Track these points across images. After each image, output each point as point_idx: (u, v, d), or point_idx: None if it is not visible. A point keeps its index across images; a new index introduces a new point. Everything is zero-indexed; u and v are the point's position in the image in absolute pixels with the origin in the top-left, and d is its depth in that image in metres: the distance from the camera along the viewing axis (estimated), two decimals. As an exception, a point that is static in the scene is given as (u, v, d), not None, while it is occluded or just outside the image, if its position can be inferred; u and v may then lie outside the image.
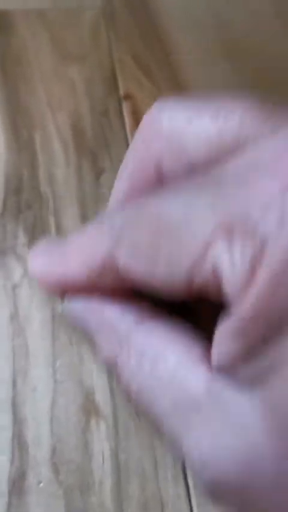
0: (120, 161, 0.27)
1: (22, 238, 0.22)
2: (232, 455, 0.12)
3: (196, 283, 0.12)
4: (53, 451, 0.18)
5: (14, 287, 0.21)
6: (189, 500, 0.17)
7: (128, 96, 0.27)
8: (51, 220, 0.22)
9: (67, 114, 0.25)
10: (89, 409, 0.18)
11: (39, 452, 0.17)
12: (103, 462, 0.18)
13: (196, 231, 0.12)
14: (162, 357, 0.13)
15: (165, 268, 0.12)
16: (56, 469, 0.17)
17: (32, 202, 0.23)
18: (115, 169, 0.24)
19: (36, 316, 0.20)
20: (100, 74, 0.27)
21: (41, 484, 0.17)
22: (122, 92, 0.27)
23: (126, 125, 0.26)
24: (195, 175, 0.14)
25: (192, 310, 0.15)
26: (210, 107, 0.15)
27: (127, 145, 0.25)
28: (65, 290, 0.17)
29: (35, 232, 0.22)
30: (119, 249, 0.14)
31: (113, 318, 0.15)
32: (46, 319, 0.20)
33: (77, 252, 0.15)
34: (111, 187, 0.24)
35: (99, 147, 0.24)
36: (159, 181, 0.16)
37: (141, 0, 0.31)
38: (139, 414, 0.18)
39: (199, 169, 0.14)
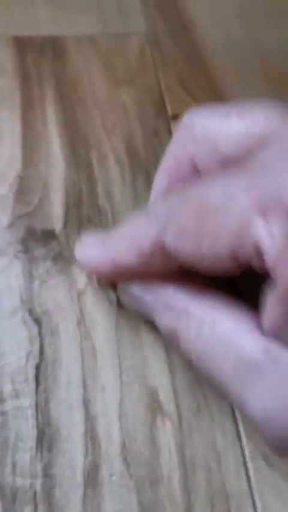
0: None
1: (84, 249, 0.23)
2: None
3: (240, 257, 0.14)
4: (123, 445, 0.19)
5: (79, 294, 0.22)
6: (252, 494, 0.18)
7: (175, 116, 0.28)
8: (111, 233, 0.24)
9: (120, 134, 0.27)
10: (154, 408, 0.20)
11: (111, 447, 0.19)
12: (170, 457, 0.19)
13: (235, 211, 0.13)
14: (220, 323, 0.15)
15: (211, 247, 0.14)
16: (126, 463, 0.19)
17: (92, 216, 0.24)
18: (167, 185, 0.26)
19: (101, 321, 0.21)
20: (149, 97, 0.29)
21: (114, 477, 0.18)
22: (170, 113, 0.29)
23: (175, 143, 0.27)
24: (228, 167, 0.15)
25: (237, 286, 0.17)
26: (237, 108, 0.17)
27: (176, 162, 0.27)
28: (117, 276, 0.18)
29: (96, 244, 0.24)
30: (167, 233, 0.15)
31: (169, 296, 0.17)
32: (110, 324, 0.21)
33: (127, 239, 0.17)
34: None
35: (152, 164, 0.26)
36: (194, 176, 0.18)
37: (182, 27, 0.33)
38: (199, 409, 0.20)
39: (231, 163, 0.16)
